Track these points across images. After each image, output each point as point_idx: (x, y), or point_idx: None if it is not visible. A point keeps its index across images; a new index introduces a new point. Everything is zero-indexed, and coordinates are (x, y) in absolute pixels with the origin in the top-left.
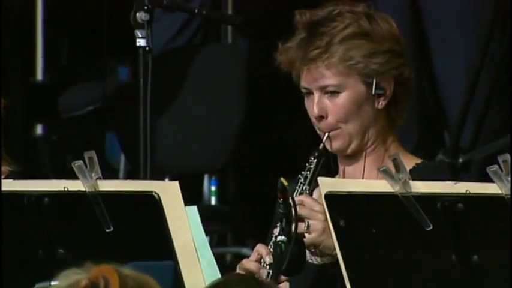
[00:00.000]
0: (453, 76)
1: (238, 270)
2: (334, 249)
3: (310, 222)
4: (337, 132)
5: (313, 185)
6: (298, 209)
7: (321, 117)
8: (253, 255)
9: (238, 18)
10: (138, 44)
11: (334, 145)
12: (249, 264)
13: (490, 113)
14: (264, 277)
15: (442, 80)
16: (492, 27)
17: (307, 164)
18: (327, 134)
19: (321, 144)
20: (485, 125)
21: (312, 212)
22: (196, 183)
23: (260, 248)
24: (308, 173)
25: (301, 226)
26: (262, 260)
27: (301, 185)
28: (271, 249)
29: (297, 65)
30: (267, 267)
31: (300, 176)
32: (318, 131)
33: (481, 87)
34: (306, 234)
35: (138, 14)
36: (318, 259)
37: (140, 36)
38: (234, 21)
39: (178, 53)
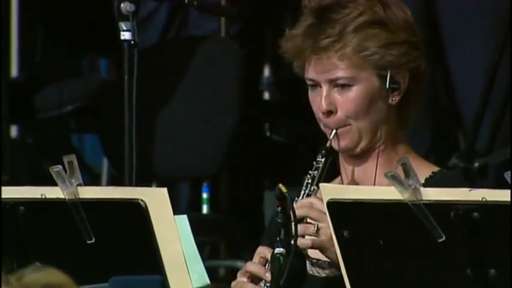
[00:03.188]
0: (470, 75)
1: (239, 276)
2: None
3: (320, 225)
4: (346, 129)
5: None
6: (307, 211)
7: (329, 112)
8: (256, 259)
9: (233, 10)
10: (122, 38)
11: (342, 143)
12: (253, 267)
13: (508, 113)
14: (269, 283)
15: (457, 78)
16: (509, 25)
17: (314, 163)
18: (334, 131)
19: (328, 142)
20: (503, 126)
21: (322, 214)
22: (187, 189)
23: (263, 250)
24: (316, 172)
25: (310, 228)
26: (267, 265)
27: (309, 185)
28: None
29: (306, 54)
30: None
31: (307, 175)
32: (323, 128)
33: (499, 86)
34: (314, 237)
35: (122, 5)
36: (320, 271)
37: (125, 29)
38: (227, 13)
39: (166, 46)
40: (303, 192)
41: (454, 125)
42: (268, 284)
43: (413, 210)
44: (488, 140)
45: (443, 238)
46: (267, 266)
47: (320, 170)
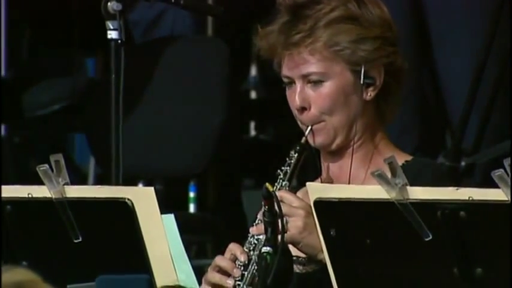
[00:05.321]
0: (457, 75)
1: (210, 270)
2: (317, 248)
3: (290, 219)
4: (321, 125)
5: (294, 181)
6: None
7: (303, 109)
8: (226, 255)
9: (220, 9)
10: (109, 37)
11: (318, 140)
12: (222, 261)
13: (496, 112)
14: (238, 278)
15: (445, 78)
16: (496, 25)
17: (287, 159)
18: (309, 127)
19: (303, 138)
20: (490, 124)
21: (291, 208)
22: (174, 189)
23: (233, 247)
24: (288, 168)
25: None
26: (237, 261)
27: (281, 181)
28: (246, 249)
29: (278, 51)
30: (242, 267)
31: (279, 171)
32: (300, 125)
33: (486, 85)
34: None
35: (109, 4)
36: (301, 267)
37: (112, 28)
38: (215, 11)
39: (153, 46)
40: (274, 187)
41: (441, 124)
42: (239, 281)
43: (400, 209)
44: (475, 139)
45: (430, 237)
46: (236, 263)
47: (292, 165)
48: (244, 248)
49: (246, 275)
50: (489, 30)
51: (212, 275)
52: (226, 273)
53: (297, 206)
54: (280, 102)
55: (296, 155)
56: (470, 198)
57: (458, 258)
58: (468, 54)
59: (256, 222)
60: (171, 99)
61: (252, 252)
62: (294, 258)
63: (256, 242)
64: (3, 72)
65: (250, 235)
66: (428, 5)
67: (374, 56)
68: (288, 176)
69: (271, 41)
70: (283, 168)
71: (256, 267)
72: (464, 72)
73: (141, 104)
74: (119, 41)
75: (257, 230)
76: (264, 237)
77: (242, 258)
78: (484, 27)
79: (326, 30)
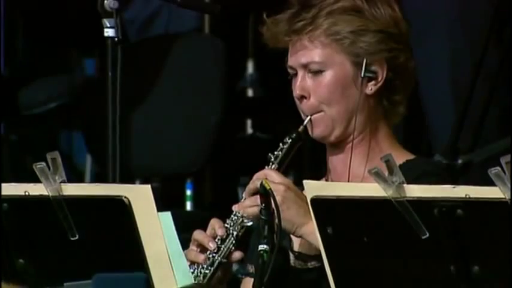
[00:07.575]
0: (435, 74)
1: (190, 244)
2: (295, 223)
3: None
4: (320, 115)
5: (284, 167)
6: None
7: (302, 98)
8: (208, 231)
9: (217, 7)
10: (106, 35)
11: (316, 131)
12: (199, 235)
13: (493, 110)
14: (214, 251)
15: (422, 77)
16: (494, 22)
17: (280, 144)
18: (308, 117)
19: (301, 127)
20: (488, 122)
21: (274, 185)
22: (171, 186)
23: (213, 222)
24: (280, 153)
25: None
26: (217, 237)
27: (271, 164)
28: (227, 224)
29: (280, 38)
30: (219, 241)
31: (270, 154)
32: (302, 116)
33: (483, 82)
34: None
35: (106, 2)
36: (303, 264)
37: (108, 25)
38: (212, 9)
39: (150, 44)
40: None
41: (420, 124)
42: (214, 254)
43: (397, 207)
44: (471, 137)
45: (427, 235)
46: (217, 240)
47: (285, 150)
48: (226, 224)
49: (222, 248)
50: (485, 28)
51: (189, 253)
52: (204, 247)
53: (278, 181)
54: (277, 100)
55: (290, 141)
56: (467, 196)
57: (455, 256)
58: (446, 54)
59: (242, 200)
60: (168, 97)
61: (231, 228)
62: (296, 253)
63: (236, 218)
64: (1, 70)
65: (233, 212)
66: (408, 5)
67: (374, 49)
68: (278, 159)
69: (275, 29)
70: (275, 152)
71: (233, 241)
72: (443, 73)
73: (138, 102)
74: (116, 39)
75: (239, 207)
76: (262, 235)
77: (220, 232)
78: (463, 28)
79: (327, 18)
